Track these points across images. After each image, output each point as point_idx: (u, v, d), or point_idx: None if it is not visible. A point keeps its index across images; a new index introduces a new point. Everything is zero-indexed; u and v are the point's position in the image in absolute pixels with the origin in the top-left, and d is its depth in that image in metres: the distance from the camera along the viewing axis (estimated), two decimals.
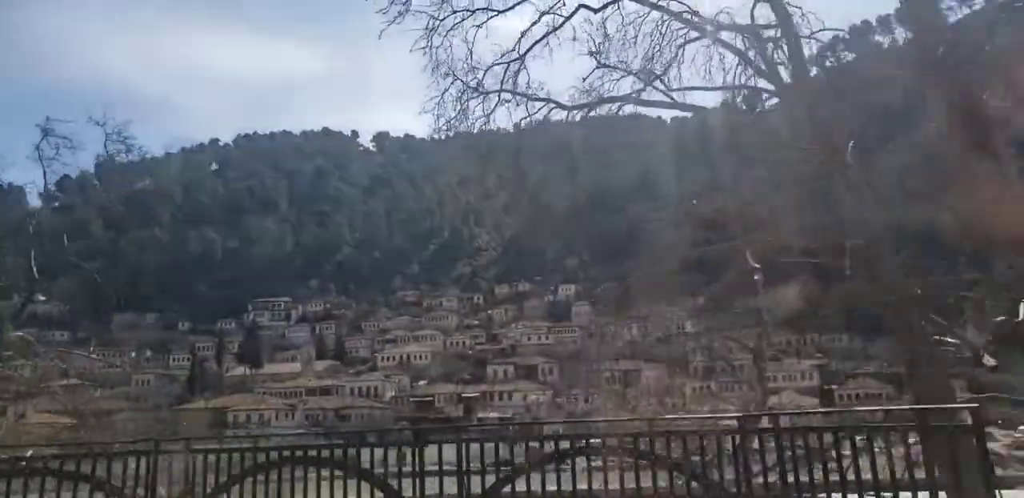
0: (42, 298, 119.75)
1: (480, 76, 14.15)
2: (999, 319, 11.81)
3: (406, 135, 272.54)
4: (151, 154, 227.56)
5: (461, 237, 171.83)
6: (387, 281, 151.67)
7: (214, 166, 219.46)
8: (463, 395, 74.08)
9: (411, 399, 75.03)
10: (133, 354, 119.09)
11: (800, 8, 13.32)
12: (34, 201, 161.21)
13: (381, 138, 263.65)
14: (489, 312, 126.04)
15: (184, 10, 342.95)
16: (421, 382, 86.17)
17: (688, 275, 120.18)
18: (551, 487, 7.54)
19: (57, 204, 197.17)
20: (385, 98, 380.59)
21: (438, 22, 13.66)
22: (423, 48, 13.74)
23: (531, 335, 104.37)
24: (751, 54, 13.78)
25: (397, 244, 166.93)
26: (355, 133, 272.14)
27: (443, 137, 17.10)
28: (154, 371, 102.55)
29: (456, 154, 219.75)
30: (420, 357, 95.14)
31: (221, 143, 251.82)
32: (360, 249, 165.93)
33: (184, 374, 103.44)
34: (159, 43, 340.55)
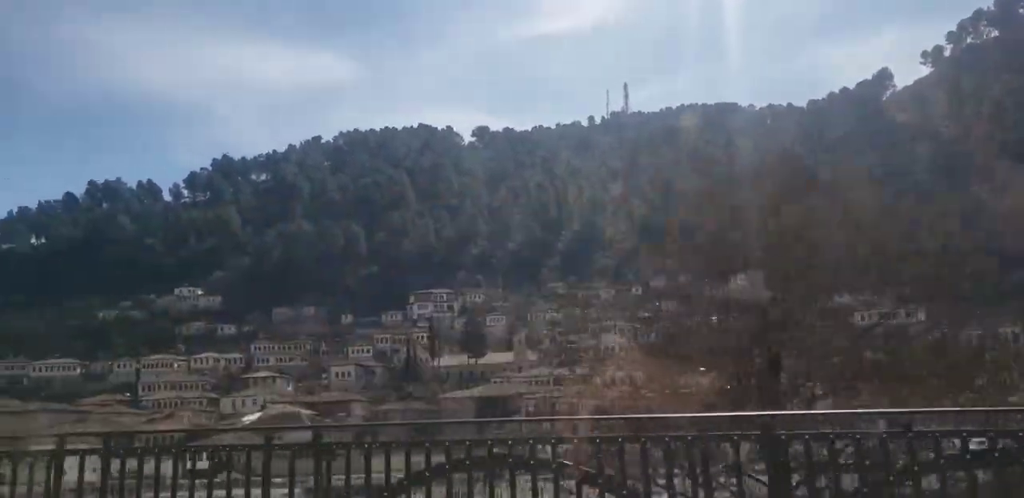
0: (200, 292, 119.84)
1: None
2: None
3: (505, 129, 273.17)
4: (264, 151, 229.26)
5: (594, 227, 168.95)
6: (530, 272, 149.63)
7: (326, 163, 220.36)
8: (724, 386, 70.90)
9: (665, 391, 71.99)
10: (308, 346, 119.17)
11: None
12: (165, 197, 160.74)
13: (482, 132, 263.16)
14: (658, 303, 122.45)
15: (219, 23, 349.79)
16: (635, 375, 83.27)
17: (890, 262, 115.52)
18: None
19: (184, 200, 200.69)
20: (431, 97, 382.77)
21: None
22: None
23: None
24: None
25: (531, 236, 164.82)
26: (449, 128, 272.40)
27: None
28: (352, 363, 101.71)
29: (562, 145, 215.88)
30: (628, 349, 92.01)
31: (323, 141, 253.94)
32: (494, 241, 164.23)
33: (375, 366, 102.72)
34: (196, 55, 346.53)
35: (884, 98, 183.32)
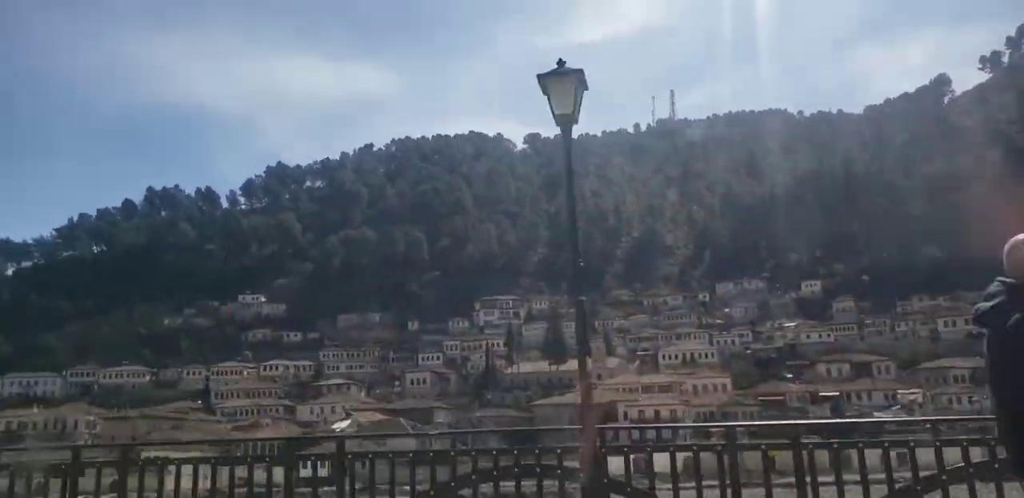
0: (263, 299, 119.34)
1: None
2: None
3: (556, 135, 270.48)
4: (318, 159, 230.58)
5: (655, 234, 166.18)
6: (592, 279, 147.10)
7: (381, 169, 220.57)
8: (821, 394, 68.11)
9: (758, 398, 69.46)
10: (377, 353, 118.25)
11: None
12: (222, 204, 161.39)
13: (533, 139, 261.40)
14: (727, 310, 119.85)
15: (263, 36, 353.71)
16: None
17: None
18: None
19: (242, 207, 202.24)
20: (474, 106, 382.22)
21: None
22: None
23: (808, 333, 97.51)
24: None
25: (591, 243, 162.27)
26: (500, 135, 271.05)
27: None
28: (426, 370, 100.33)
29: (613, 152, 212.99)
30: (707, 356, 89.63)
31: (375, 148, 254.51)
32: (554, 248, 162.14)
33: (448, 373, 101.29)
34: (246, 68, 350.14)
35: (944, 103, 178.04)
